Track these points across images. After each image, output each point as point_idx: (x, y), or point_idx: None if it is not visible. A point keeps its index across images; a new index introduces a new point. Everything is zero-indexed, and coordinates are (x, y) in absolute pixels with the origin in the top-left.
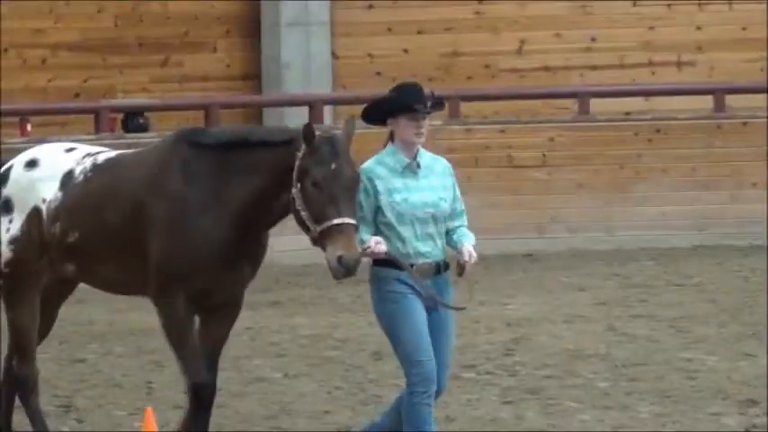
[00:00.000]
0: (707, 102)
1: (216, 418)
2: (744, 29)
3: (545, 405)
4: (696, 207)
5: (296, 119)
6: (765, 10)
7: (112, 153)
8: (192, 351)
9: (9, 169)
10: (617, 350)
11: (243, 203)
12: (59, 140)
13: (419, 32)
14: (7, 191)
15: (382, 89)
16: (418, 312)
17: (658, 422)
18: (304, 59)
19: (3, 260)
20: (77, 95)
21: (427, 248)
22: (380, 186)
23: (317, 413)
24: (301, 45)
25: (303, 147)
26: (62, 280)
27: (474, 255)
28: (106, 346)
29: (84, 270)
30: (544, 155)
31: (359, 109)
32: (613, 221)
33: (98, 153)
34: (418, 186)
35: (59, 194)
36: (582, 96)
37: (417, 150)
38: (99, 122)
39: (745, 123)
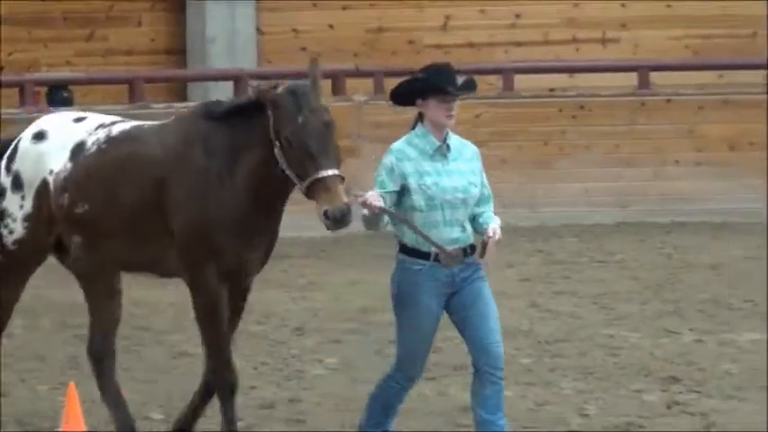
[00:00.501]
0: (631, 79)
1: (141, 395)
2: (668, 6)
3: (468, 381)
4: (619, 184)
5: (221, 94)
6: None
7: (127, 125)
8: (223, 336)
9: (17, 144)
10: (540, 326)
11: (253, 176)
12: None
13: (344, 8)
14: (16, 166)
15: (307, 64)
16: (431, 314)
17: (581, 398)
18: (229, 34)
19: (13, 237)
20: (1, 69)
21: (455, 234)
22: (410, 168)
23: (242, 388)
24: (226, 20)
25: (269, 106)
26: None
27: (498, 233)
28: (31, 320)
29: (91, 244)
30: (468, 131)
31: (284, 84)
32: (537, 198)
33: (112, 124)
34: (448, 170)
35: (69, 165)
36: (506, 73)
37: (447, 133)
38: (23, 96)
39: (668, 100)
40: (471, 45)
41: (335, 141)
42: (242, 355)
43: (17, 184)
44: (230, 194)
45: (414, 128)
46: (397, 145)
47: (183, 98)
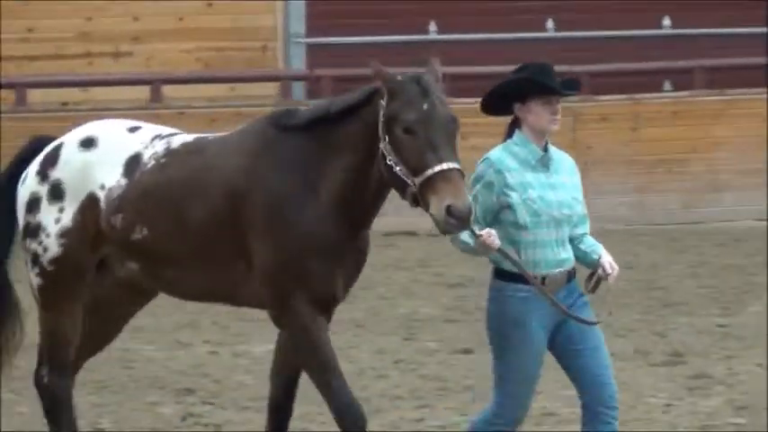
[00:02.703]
0: (144, 92)
1: None
2: (180, 19)
3: None
4: None
5: None
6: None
7: (189, 137)
8: (334, 370)
9: (58, 149)
10: None
11: (341, 187)
12: None
13: None
14: (57, 174)
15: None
16: (539, 350)
17: (95, 412)
18: None
19: (49, 256)
20: None
21: (563, 255)
22: (512, 180)
23: None
24: None
25: (384, 92)
26: (132, 288)
27: (617, 268)
28: None
29: (150, 272)
30: None
31: None
32: None
33: (170, 135)
34: (552, 183)
35: (123, 181)
36: (19, 87)
37: (546, 141)
38: None
39: (181, 113)
40: None
41: (456, 140)
42: None
43: (56, 194)
44: (314, 213)
45: (509, 135)
46: (495, 154)
47: None
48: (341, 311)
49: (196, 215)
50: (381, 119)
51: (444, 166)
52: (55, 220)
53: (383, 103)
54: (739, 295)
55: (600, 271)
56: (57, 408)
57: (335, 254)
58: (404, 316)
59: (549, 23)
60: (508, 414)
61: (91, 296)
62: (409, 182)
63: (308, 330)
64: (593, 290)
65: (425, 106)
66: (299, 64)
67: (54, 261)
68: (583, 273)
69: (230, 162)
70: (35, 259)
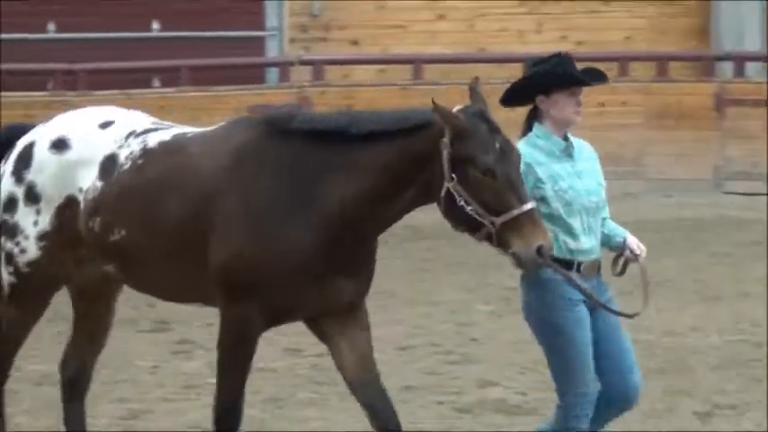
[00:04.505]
0: None
1: None
2: None
3: None
4: None
5: None
6: None
7: (165, 134)
8: (238, 380)
9: (30, 148)
10: None
11: (344, 208)
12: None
13: None
14: (31, 176)
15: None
16: (587, 326)
17: None
18: None
19: (26, 258)
20: None
21: (592, 243)
22: (542, 173)
23: None
24: None
25: (447, 131)
26: (104, 279)
27: (644, 248)
28: None
29: (127, 272)
30: None
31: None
32: None
33: (145, 132)
34: (578, 171)
35: (99, 184)
36: None
37: (566, 132)
38: None
39: None
40: None
41: None
42: None
43: (32, 196)
44: (300, 227)
45: (529, 129)
46: (523, 149)
47: None
48: None
49: (171, 214)
50: (447, 157)
51: (526, 207)
52: (33, 222)
53: (446, 141)
54: None
55: (627, 253)
56: None
57: (313, 272)
58: None
59: (51, 26)
60: (582, 401)
61: (78, 283)
62: (486, 222)
63: (239, 341)
64: (621, 273)
65: (497, 145)
66: None
67: (31, 264)
68: (607, 258)
69: (209, 163)
70: (9, 258)
